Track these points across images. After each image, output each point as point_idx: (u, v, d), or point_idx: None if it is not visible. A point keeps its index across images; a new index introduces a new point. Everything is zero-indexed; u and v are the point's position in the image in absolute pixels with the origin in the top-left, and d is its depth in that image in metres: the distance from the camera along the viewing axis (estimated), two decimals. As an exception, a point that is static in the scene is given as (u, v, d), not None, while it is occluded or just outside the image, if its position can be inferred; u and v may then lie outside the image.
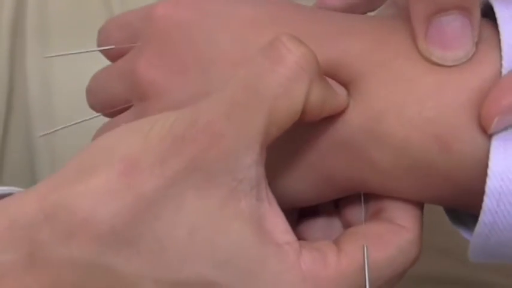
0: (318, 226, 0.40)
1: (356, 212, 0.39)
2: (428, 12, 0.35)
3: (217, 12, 0.40)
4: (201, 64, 0.39)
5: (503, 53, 0.35)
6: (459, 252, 0.59)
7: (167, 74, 0.39)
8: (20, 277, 0.34)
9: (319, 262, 0.35)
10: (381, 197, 0.38)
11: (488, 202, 0.34)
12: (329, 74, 0.37)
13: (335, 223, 0.40)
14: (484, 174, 0.34)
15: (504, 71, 0.35)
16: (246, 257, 0.34)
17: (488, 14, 0.37)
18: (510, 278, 0.58)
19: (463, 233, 0.38)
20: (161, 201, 0.33)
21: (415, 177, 0.36)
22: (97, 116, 0.43)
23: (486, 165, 0.34)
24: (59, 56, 0.45)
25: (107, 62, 0.44)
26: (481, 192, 0.34)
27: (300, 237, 0.39)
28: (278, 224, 0.35)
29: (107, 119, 0.43)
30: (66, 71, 0.60)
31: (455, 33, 0.35)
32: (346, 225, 0.40)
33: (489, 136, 0.34)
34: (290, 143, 0.37)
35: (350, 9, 0.43)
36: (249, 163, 0.34)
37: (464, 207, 0.38)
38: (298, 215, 0.41)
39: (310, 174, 0.38)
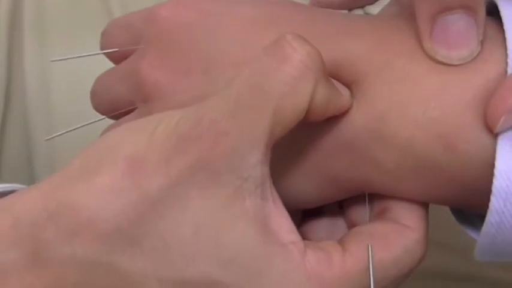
0: (322, 226, 0.40)
1: (360, 212, 0.39)
2: (433, 11, 0.35)
3: (218, 13, 0.39)
4: (204, 65, 0.39)
5: (509, 52, 0.35)
6: (460, 248, 0.59)
7: (170, 76, 0.39)
8: (23, 276, 0.34)
9: (324, 262, 0.34)
10: (385, 196, 0.38)
11: (495, 202, 0.34)
12: (332, 74, 0.37)
13: (339, 223, 0.40)
14: (489, 174, 0.34)
15: (510, 70, 0.35)
16: (250, 256, 0.34)
17: (493, 12, 0.36)
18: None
19: (470, 233, 0.38)
20: (166, 200, 0.33)
21: (419, 178, 0.36)
22: (101, 119, 0.43)
23: (492, 165, 0.34)
24: (63, 59, 0.45)
25: (105, 58, 0.44)
26: (487, 192, 0.34)
27: (304, 237, 0.38)
28: (283, 223, 0.34)
29: (110, 122, 0.43)
30: (64, 67, 0.59)
31: (460, 32, 0.35)
32: (351, 225, 0.39)
33: (495, 135, 0.34)
34: (294, 143, 0.37)
35: (347, 4, 0.43)
36: (254, 162, 0.34)
37: (469, 207, 0.38)
38: (302, 215, 0.41)
39: (313, 175, 0.38)
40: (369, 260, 0.35)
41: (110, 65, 0.44)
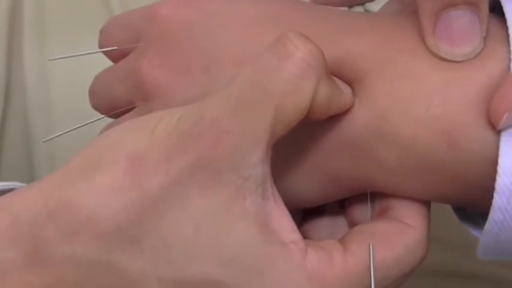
0: (323, 225, 0.40)
1: (362, 211, 0.39)
2: (437, 8, 0.35)
3: (218, 12, 0.39)
4: (204, 64, 0.38)
5: None
6: (462, 246, 0.59)
7: (170, 75, 0.39)
8: (23, 274, 0.33)
9: (325, 261, 0.34)
10: (387, 195, 0.38)
11: (498, 199, 0.34)
12: (333, 72, 0.37)
13: (340, 222, 0.40)
14: (493, 172, 0.34)
15: (513, 67, 0.35)
16: (251, 255, 0.33)
17: (496, 9, 0.36)
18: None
19: (472, 231, 0.38)
20: (166, 199, 0.33)
21: (422, 176, 0.36)
22: (100, 119, 0.43)
23: (495, 163, 0.34)
24: (61, 58, 0.45)
25: (105, 57, 0.44)
26: (490, 190, 0.34)
27: (305, 236, 0.38)
28: (284, 222, 0.34)
29: (109, 121, 0.43)
30: (63, 65, 0.59)
31: (463, 28, 0.35)
32: (352, 224, 0.39)
33: (498, 133, 0.34)
34: (295, 142, 0.37)
35: (347, 1, 0.42)
36: (255, 161, 0.33)
37: (472, 205, 0.37)
38: (303, 214, 0.41)
39: (315, 174, 0.37)
40: (370, 259, 0.35)
41: (110, 63, 0.44)
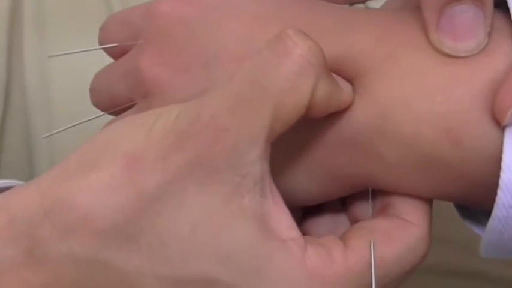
0: (323, 222, 0.40)
1: (363, 208, 0.39)
2: (441, 2, 0.35)
3: (218, 8, 0.39)
4: (205, 60, 0.38)
5: None
6: (463, 244, 0.59)
7: (170, 71, 0.39)
8: (20, 273, 0.34)
9: (325, 258, 0.34)
10: (388, 192, 0.37)
11: (502, 196, 0.34)
12: (334, 69, 0.36)
13: (341, 219, 0.40)
14: (497, 169, 0.33)
15: (517, 62, 0.34)
16: (249, 253, 0.33)
17: (500, 4, 0.36)
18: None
19: (475, 229, 0.37)
20: (163, 197, 0.33)
21: (424, 173, 0.36)
22: (100, 116, 0.43)
23: (499, 160, 0.33)
24: (61, 55, 0.45)
25: (105, 55, 0.44)
26: (494, 187, 0.34)
27: (305, 234, 0.38)
28: (282, 220, 0.34)
29: (109, 118, 0.43)
30: (64, 64, 0.59)
31: (467, 23, 0.35)
32: (353, 221, 0.39)
33: (502, 129, 0.34)
34: (295, 140, 0.37)
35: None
36: (253, 158, 0.33)
37: (476, 202, 0.37)
38: (304, 211, 0.40)
39: (316, 172, 0.37)
40: (371, 256, 0.35)
41: (111, 61, 0.43)
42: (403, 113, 0.35)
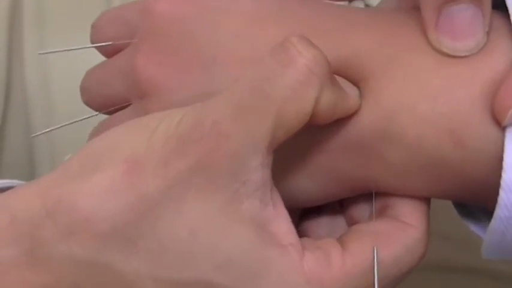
0: (322, 223, 0.40)
1: (361, 209, 0.39)
2: (439, 2, 0.35)
3: (217, 7, 0.39)
4: (202, 61, 0.38)
5: None
6: (461, 240, 0.59)
7: (167, 72, 0.38)
8: (21, 273, 0.34)
9: (322, 262, 0.34)
10: (387, 193, 0.37)
11: (504, 196, 0.34)
12: (340, 71, 0.36)
13: (339, 220, 0.40)
14: (499, 169, 0.33)
15: (516, 61, 0.34)
16: (247, 258, 0.33)
17: (498, 5, 0.36)
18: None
19: (472, 227, 0.37)
20: (163, 202, 0.33)
21: (428, 175, 0.36)
22: (97, 114, 0.43)
23: (501, 160, 0.33)
24: (54, 52, 0.44)
25: (101, 54, 0.43)
26: (496, 187, 0.34)
27: (303, 235, 0.38)
28: (282, 225, 0.34)
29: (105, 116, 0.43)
30: (64, 63, 0.59)
31: (466, 22, 0.35)
32: (351, 223, 0.39)
33: (503, 129, 0.34)
34: (299, 144, 0.36)
35: None
36: (254, 166, 0.33)
37: (477, 202, 0.37)
38: (302, 212, 0.40)
39: (318, 174, 0.37)
40: (374, 262, 0.35)
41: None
42: (407, 115, 0.35)
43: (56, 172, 0.35)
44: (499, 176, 0.33)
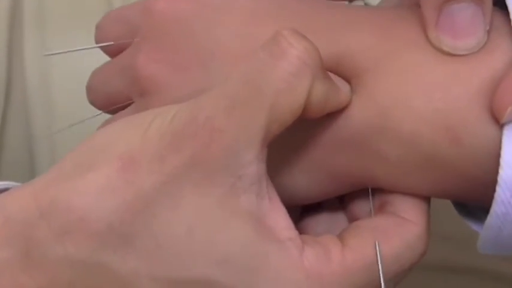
0: (321, 220, 0.40)
1: (361, 206, 0.39)
2: (440, 0, 0.35)
3: (216, 5, 0.39)
4: (202, 58, 0.38)
5: None
6: (462, 240, 0.59)
7: (167, 69, 0.39)
8: (15, 275, 0.33)
9: (322, 258, 0.34)
10: (386, 190, 0.37)
11: (500, 193, 0.34)
12: (333, 67, 0.36)
13: (339, 217, 0.40)
14: (495, 167, 0.34)
15: (516, 60, 0.34)
16: (246, 254, 0.33)
17: (498, 4, 0.36)
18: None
19: (473, 226, 0.37)
20: (159, 199, 0.33)
21: (424, 171, 0.36)
22: (98, 115, 0.43)
23: (498, 157, 0.33)
24: (58, 53, 0.45)
25: (105, 54, 0.43)
26: (493, 184, 0.34)
27: (303, 232, 0.38)
28: (279, 220, 0.34)
29: (108, 116, 0.43)
30: (64, 63, 0.59)
31: (466, 21, 0.35)
32: (352, 219, 0.39)
33: (501, 126, 0.34)
34: (294, 140, 0.37)
35: None
36: (250, 160, 0.33)
37: (475, 200, 0.37)
38: (302, 209, 0.40)
39: (315, 171, 0.37)
40: (377, 257, 0.35)
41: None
42: (402, 111, 0.35)
43: (50, 172, 0.35)
44: (496, 173, 0.33)
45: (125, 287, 0.33)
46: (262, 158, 0.34)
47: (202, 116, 0.33)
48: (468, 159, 0.35)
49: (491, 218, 0.34)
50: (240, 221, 0.33)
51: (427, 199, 0.37)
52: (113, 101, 0.41)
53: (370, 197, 0.38)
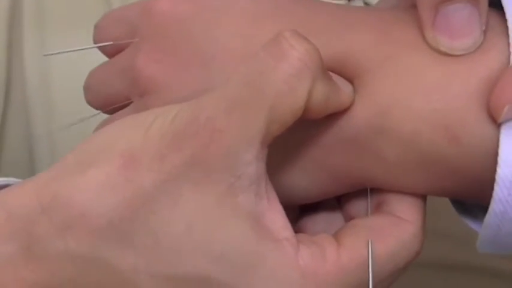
0: (319, 219, 0.40)
1: (358, 205, 0.39)
2: (436, 1, 0.35)
3: (216, 6, 0.39)
4: (201, 59, 0.38)
5: (511, 41, 0.35)
6: (461, 238, 0.59)
7: (167, 69, 0.39)
8: (17, 269, 0.34)
9: (317, 257, 0.34)
10: (383, 189, 0.38)
11: (498, 191, 0.34)
12: (334, 68, 0.37)
13: (337, 216, 0.40)
14: (494, 165, 0.34)
15: (512, 59, 0.35)
16: (243, 252, 0.33)
17: (494, 4, 0.36)
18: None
19: (471, 224, 0.38)
20: (159, 196, 0.33)
21: (423, 171, 0.36)
22: (97, 114, 0.43)
23: (496, 156, 0.34)
24: (57, 53, 0.45)
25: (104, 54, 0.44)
26: (491, 183, 0.34)
27: (301, 231, 0.38)
28: (277, 219, 0.34)
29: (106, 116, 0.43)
30: (64, 63, 0.59)
31: (463, 21, 0.35)
32: (348, 219, 0.39)
33: (498, 126, 0.34)
34: (294, 139, 0.37)
35: None
36: (249, 160, 0.33)
37: (472, 198, 0.37)
38: (300, 208, 0.40)
39: (314, 171, 0.37)
40: (369, 255, 0.35)
41: (110, 59, 0.44)
42: (402, 111, 0.35)
43: (52, 168, 0.35)
44: (494, 171, 0.34)
45: (124, 283, 0.34)
46: (261, 158, 0.34)
47: (203, 116, 0.33)
48: (466, 158, 0.35)
49: (489, 217, 0.35)
50: (238, 219, 0.33)
51: (423, 198, 0.38)
52: (111, 101, 0.42)
53: (369, 196, 0.38)
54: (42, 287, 0.34)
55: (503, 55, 0.35)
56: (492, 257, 0.59)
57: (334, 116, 0.36)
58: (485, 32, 0.35)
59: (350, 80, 0.37)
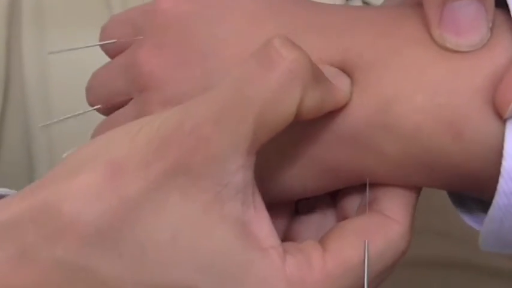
0: (313, 222, 0.40)
1: (352, 203, 0.39)
2: None
3: (217, 5, 0.39)
4: (202, 57, 0.38)
5: None
6: (458, 235, 0.59)
7: (167, 66, 0.39)
8: (6, 278, 0.33)
9: (303, 266, 0.34)
10: (374, 186, 0.38)
11: (503, 183, 0.34)
12: (337, 63, 0.37)
13: (331, 219, 0.40)
14: (498, 161, 0.34)
15: (517, 56, 0.35)
16: (229, 261, 0.33)
17: (497, 2, 0.36)
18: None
19: (467, 220, 0.38)
20: (145, 205, 0.33)
21: (425, 166, 0.36)
22: (96, 108, 0.43)
23: (500, 152, 0.34)
24: (61, 52, 0.45)
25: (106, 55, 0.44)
26: (494, 178, 0.34)
27: (295, 235, 0.38)
28: (263, 228, 0.34)
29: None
30: (62, 59, 0.59)
31: (469, 18, 0.35)
32: (342, 217, 0.39)
33: (504, 122, 0.34)
34: (293, 136, 0.37)
35: None
36: (235, 168, 0.33)
37: (473, 192, 0.37)
38: (293, 211, 0.40)
39: (314, 166, 0.37)
40: (365, 257, 0.35)
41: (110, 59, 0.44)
42: (404, 106, 0.35)
43: (44, 177, 0.35)
44: (498, 167, 0.34)
45: None
46: (249, 166, 0.34)
47: (189, 124, 0.33)
48: (470, 153, 0.35)
49: (493, 209, 0.34)
50: (225, 228, 0.33)
51: (415, 196, 0.38)
52: (112, 100, 0.42)
53: (367, 193, 0.38)
54: None
55: (508, 52, 0.35)
56: (492, 255, 0.59)
57: (335, 112, 0.36)
58: (491, 30, 0.35)
59: (352, 74, 0.37)
